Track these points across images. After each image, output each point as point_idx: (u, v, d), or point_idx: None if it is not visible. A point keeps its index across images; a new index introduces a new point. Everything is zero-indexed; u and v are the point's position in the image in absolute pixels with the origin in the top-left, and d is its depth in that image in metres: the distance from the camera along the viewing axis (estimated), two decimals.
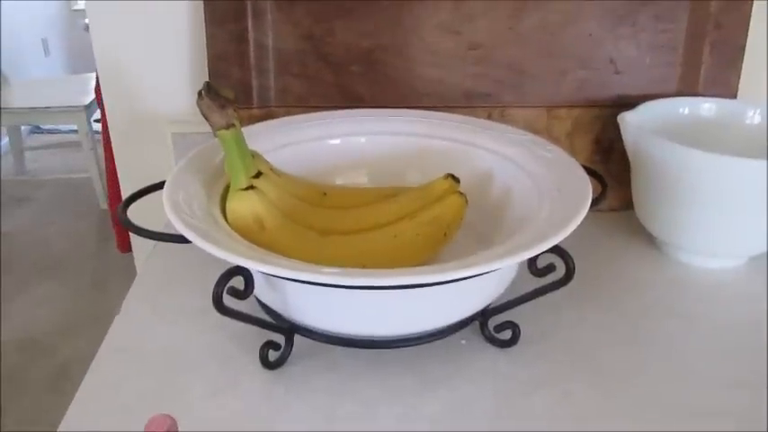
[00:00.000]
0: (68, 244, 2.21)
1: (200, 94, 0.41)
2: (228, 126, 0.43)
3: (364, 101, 0.61)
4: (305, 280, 0.36)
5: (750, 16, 0.61)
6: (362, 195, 0.53)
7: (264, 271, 0.36)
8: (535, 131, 0.63)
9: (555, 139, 0.63)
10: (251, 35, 0.58)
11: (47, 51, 3.33)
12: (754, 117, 0.60)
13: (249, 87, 0.60)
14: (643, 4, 0.60)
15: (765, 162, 0.48)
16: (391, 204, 0.50)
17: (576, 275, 0.41)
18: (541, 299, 0.44)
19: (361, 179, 0.56)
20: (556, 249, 0.40)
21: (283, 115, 0.60)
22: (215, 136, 0.44)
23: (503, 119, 0.62)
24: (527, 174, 0.50)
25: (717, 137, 0.61)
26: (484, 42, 0.60)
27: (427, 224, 0.47)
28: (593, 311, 0.50)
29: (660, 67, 0.62)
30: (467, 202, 0.49)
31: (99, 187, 2.38)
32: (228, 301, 0.39)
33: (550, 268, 0.42)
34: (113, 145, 0.66)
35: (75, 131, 2.44)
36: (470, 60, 0.61)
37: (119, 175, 0.66)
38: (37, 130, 3.17)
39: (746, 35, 0.61)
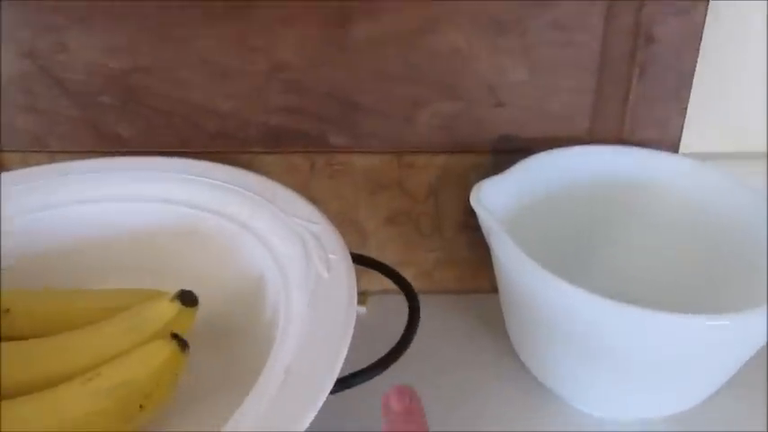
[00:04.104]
0: None
1: None
2: None
3: (129, 144, 0.43)
4: None
5: (703, 26, 0.39)
6: (65, 314, 0.35)
7: None
8: (384, 186, 0.44)
9: (412, 196, 0.44)
10: None
11: None
12: (694, 176, 0.40)
13: None
14: (537, 5, 0.39)
15: (680, 316, 0.29)
16: (83, 342, 0.33)
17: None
18: None
19: (88, 276, 0.38)
20: None
21: (17, 163, 0.43)
22: None
23: (332, 169, 0.43)
24: (292, 300, 0.32)
25: (642, 203, 0.42)
26: (293, 62, 0.40)
27: (105, 396, 0.30)
28: None
29: (563, 96, 0.42)
30: (186, 348, 0.32)
31: None
32: None
33: None
34: None
35: None
36: (276, 87, 0.41)
37: None
38: None
39: (696, 54, 0.40)
